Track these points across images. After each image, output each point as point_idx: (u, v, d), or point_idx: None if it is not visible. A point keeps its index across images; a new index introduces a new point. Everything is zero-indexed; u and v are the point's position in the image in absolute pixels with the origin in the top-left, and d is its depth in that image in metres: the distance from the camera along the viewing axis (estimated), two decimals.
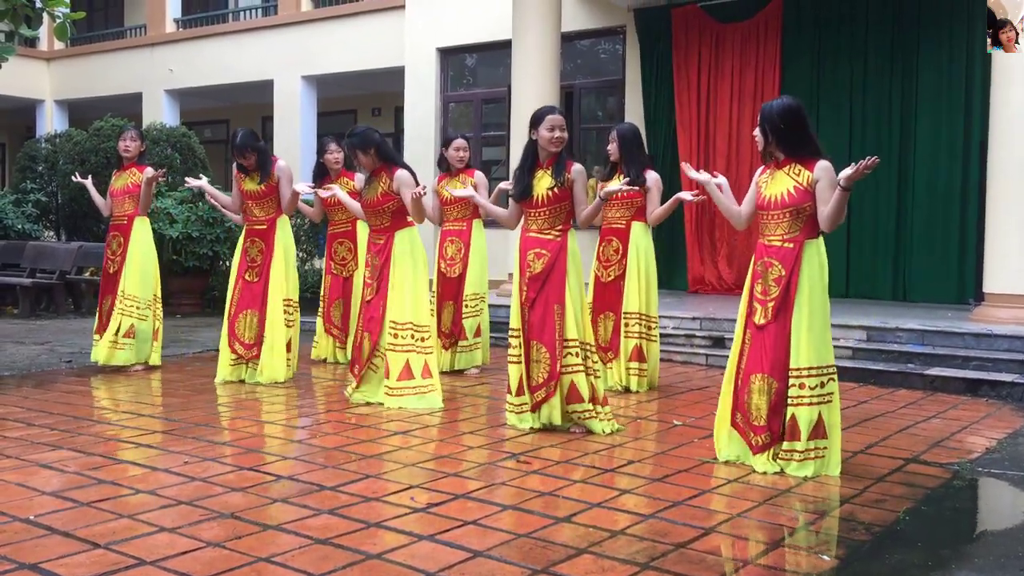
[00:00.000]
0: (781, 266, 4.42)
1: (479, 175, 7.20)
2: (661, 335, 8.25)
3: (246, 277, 6.78)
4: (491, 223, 7.71)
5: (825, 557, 3.35)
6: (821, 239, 4.53)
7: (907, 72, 10.32)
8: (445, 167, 7.34)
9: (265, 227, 6.78)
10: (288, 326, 6.77)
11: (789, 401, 4.40)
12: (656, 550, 3.36)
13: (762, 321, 4.46)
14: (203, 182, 7.07)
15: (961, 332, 7.42)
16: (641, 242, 6.56)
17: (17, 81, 18.18)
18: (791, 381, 4.39)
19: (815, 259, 4.43)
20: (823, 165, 4.38)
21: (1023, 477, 4.54)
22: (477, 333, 7.25)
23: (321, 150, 7.75)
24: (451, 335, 7.19)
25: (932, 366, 7.10)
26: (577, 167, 5.25)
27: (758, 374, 4.45)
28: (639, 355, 6.53)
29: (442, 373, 6.97)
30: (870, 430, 5.46)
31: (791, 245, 4.43)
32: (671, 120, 11.68)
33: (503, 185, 6.61)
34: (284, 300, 6.74)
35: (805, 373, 4.37)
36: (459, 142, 7.31)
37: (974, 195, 9.62)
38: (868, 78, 10.53)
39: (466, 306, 7.20)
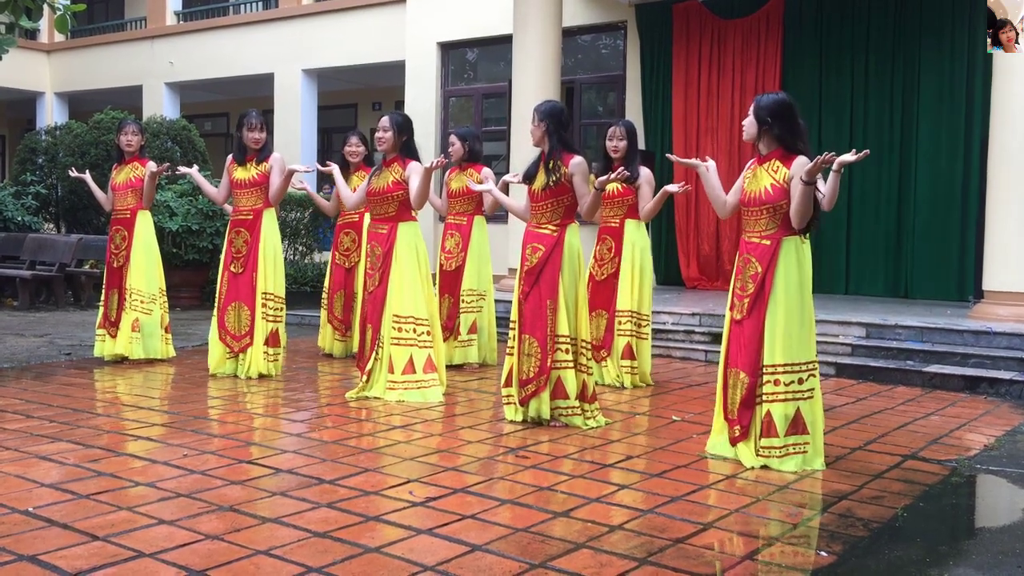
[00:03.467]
0: (758, 263, 4.44)
1: (487, 171, 7.21)
2: (660, 331, 8.31)
3: (232, 268, 6.76)
4: (493, 218, 7.72)
5: (823, 553, 3.36)
6: (806, 238, 4.54)
7: (909, 69, 10.32)
8: (453, 160, 7.38)
9: (251, 218, 6.72)
10: (268, 320, 6.68)
11: (764, 397, 4.42)
12: (654, 545, 3.36)
13: (739, 316, 4.51)
14: (192, 170, 7.10)
15: (960, 329, 7.42)
16: (636, 239, 6.57)
17: (17, 73, 18.17)
18: (765, 378, 4.41)
19: (792, 257, 4.43)
20: (800, 161, 4.37)
21: (1021, 474, 4.54)
22: (472, 330, 7.24)
23: (344, 143, 7.84)
24: (446, 328, 7.19)
25: (931, 363, 7.11)
26: (576, 160, 5.25)
27: (733, 368, 4.51)
28: (629, 353, 6.54)
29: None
30: (869, 427, 5.46)
31: (768, 242, 4.44)
32: (671, 116, 11.68)
33: (507, 177, 6.63)
34: (263, 294, 6.68)
35: (781, 370, 4.38)
36: (451, 138, 7.41)
37: (974, 192, 9.63)
38: (869, 75, 10.53)
39: (463, 301, 7.20)
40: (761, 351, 4.42)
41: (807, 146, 4.46)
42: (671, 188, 5.98)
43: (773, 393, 4.39)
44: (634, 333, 6.56)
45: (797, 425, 4.40)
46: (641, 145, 11.74)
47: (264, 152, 6.75)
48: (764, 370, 4.41)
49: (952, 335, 7.43)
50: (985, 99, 9.00)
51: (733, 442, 4.53)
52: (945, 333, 7.46)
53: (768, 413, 4.40)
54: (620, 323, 6.54)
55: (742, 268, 4.52)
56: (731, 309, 4.58)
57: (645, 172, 6.49)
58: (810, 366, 4.44)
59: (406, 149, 6.06)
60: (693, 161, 4.90)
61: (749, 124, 4.50)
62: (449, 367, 7.09)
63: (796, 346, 4.40)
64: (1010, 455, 4.89)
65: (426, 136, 13.49)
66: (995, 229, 7.97)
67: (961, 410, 6.05)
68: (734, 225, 10.30)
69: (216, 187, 7.08)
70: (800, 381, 4.40)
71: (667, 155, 5.38)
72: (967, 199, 9.89)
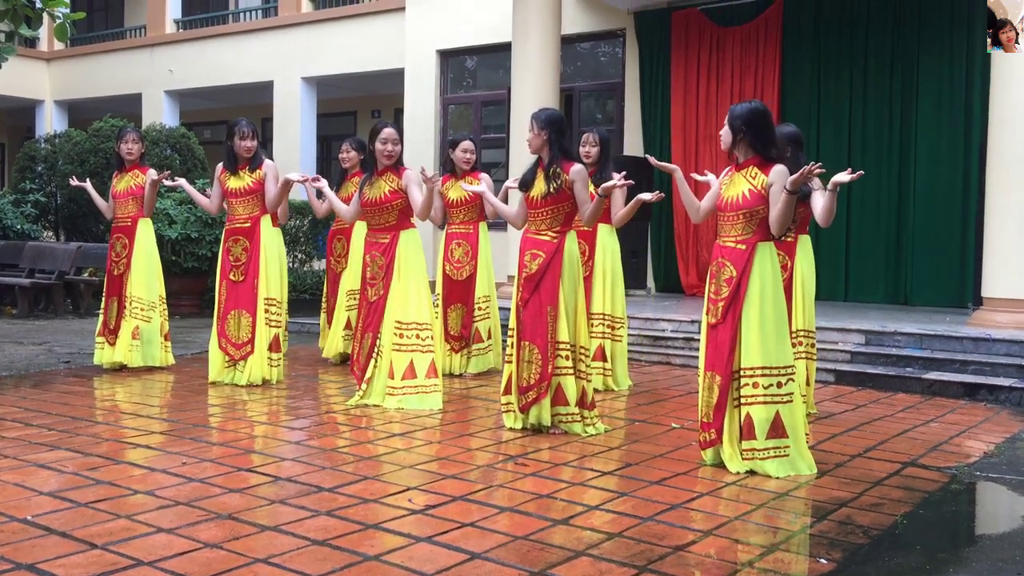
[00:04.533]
0: (733, 267, 4.49)
1: (484, 176, 7.19)
2: (660, 338, 8.34)
3: (231, 277, 6.75)
4: (493, 225, 7.72)
5: (823, 560, 3.35)
6: (807, 239, 4.59)
7: (907, 76, 10.33)
8: (450, 168, 7.32)
9: (248, 225, 6.73)
10: (271, 325, 6.71)
11: (743, 400, 4.45)
12: (654, 553, 3.36)
13: (713, 320, 4.55)
14: (181, 181, 7.16)
15: (959, 336, 7.43)
16: (607, 243, 6.67)
17: (17, 81, 18.19)
18: (743, 380, 4.44)
19: (767, 262, 4.47)
20: (778, 169, 4.42)
21: (1021, 481, 4.54)
22: (490, 335, 7.28)
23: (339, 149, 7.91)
24: (461, 338, 7.18)
25: (930, 370, 7.11)
26: (576, 167, 5.26)
27: (709, 372, 4.54)
28: (601, 355, 6.60)
29: (453, 376, 7.05)
30: (868, 434, 5.46)
31: (743, 247, 4.49)
32: (670, 123, 11.69)
33: (509, 183, 6.64)
34: (265, 299, 6.69)
35: (759, 372, 4.41)
36: (466, 144, 7.28)
37: (974, 199, 9.64)
38: (868, 81, 10.54)
39: (478, 308, 7.21)
40: (734, 354, 4.46)
41: (781, 152, 4.50)
42: (644, 196, 6.01)
43: (752, 395, 4.42)
44: (608, 336, 6.65)
45: (777, 428, 4.42)
46: (639, 152, 11.79)
47: (256, 160, 6.74)
48: (742, 372, 4.45)
49: (951, 342, 7.43)
50: (984, 105, 9.01)
51: (704, 446, 4.57)
52: (944, 340, 7.46)
53: (748, 416, 4.43)
54: (592, 325, 6.58)
55: (716, 272, 4.58)
56: (707, 313, 4.63)
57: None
58: (789, 370, 4.46)
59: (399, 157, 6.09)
60: (671, 166, 4.96)
61: (725, 133, 4.58)
62: (460, 376, 7.13)
63: (773, 349, 4.43)
64: (1009, 462, 4.89)
65: (425, 144, 13.52)
66: (994, 236, 7.97)
67: (960, 417, 6.05)
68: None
69: (208, 197, 7.08)
70: (779, 385, 4.42)
71: (648, 157, 5.39)
72: (966, 206, 9.89)
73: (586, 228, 5.93)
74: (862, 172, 4.40)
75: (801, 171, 4.24)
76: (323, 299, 8.04)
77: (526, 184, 5.35)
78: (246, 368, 6.65)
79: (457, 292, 7.20)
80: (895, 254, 10.46)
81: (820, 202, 4.68)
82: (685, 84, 11.57)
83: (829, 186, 4.43)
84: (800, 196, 4.57)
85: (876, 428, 5.64)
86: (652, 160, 5.20)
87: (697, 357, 7.81)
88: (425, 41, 13.78)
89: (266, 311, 6.69)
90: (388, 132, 6.04)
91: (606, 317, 6.65)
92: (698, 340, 8.03)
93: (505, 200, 6.64)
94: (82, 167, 13.23)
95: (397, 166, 6.04)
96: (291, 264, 12.91)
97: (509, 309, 8.60)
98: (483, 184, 6.67)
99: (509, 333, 5.36)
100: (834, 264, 10.72)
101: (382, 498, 3.95)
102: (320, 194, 7.51)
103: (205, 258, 11.36)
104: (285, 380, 6.87)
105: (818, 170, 4.25)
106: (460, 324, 7.18)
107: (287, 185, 6.60)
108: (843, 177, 4.34)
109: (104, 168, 12.56)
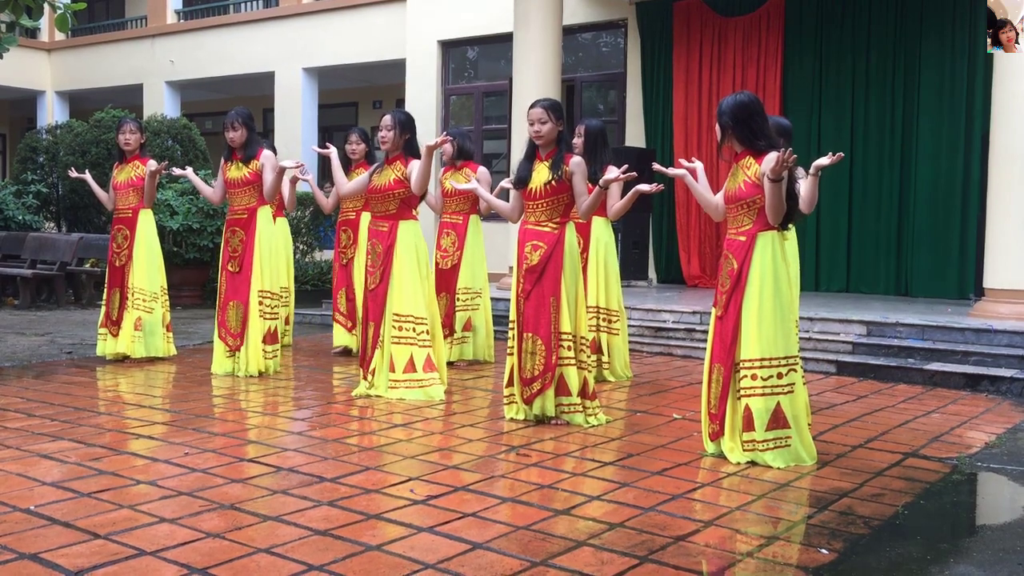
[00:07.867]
0: (734, 258, 4.49)
1: (482, 170, 7.25)
2: (661, 329, 8.33)
3: (229, 268, 6.79)
4: (492, 217, 7.73)
5: (823, 551, 3.36)
6: (786, 233, 4.60)
7: (909, 67, 10.32)
8: (445, 160, 7.39)
9: (245, 216, 6.75)
10: (264, 318, 6.70)
11: (742, 392, 4.44)
12: (655, 543, 3.36)
13: (720, 312, 4.56)
14: (188, 171, 7.16)
15: (961, 327, 7.42)
16: (601, 236, 6.65)
17: (18, 72, 18.17)
18: (743, 372, 4.44)
19: (768, 252, 4.44)
20: (769, 158, 4.37)
21: (1022, 472, 4.54)
22: (466, 327, 7.27)
23: (346, 140, 7.85)
24: (444, 326, 7.20)
25: (932, 361, 7.11)
26: (576, 159, 5.26)
27: (716, 364, 4.55)
28: (595, 347, 6.58)
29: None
30: (869, 424, 5.47)
31: (743, 238, 4.48)
32: (672, 114, 11.68)
33: (505, 183, 6.62)
34: (259, 291, 6.69)
35: (758, 364, 4.40)
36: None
37: (975, 190, 9.63)
38: (870, 73, 10.53)
39: (458, 299, 7.23)
40: (736, 345, 4.46)
41: (771, 141, 4.45)
42: (643, 188, 5.98)
43: (751, 387, 4.42)
44: (604, 329, 6.65)
45: (778, 419, 4.41)
46: (641, 143, 11.77)
47: (250, 150, 6.75)
48: (741, 364, 4.44)
49: (953, 333, 7.42)
50: (986, 96, 8.99)
51: (712, 437, 4.57)
52: (946, 331, 7.46)
53: (747, 407, 4.43)
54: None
55: (722, 265, 4.60)
56: (714, 306, 4.64)
57: (613, 171, 6.48)
58: (790, 361, 4.45)
59: (408, 148, 6.06)
60: (680, 171, 4.84)
61: (717, 130, 4.56)
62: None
63: (773, 340, 4.41)
64: (1011, 453, 4.90)
65: (427, 134, 13.41)
66: (996, 227, 7.96)
67: (962, 408, 6.05)
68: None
69: (212, 187, 7.12)
70: (779, 376, 4.41)
71: (653, 165, 5.34)
72: (968, 197, 9.88)
73: (581, 220, 5.91)
74: (842, 155, 4.37)
75: (777, 159, 4.20)
76: (333, 291, 8.05)
77: (523, 180, 5.33)
78: (241, 359, 6.66)
79: (443, 281, 7.22)
80: (896, 245, 10.46)
81: (802, 189, 4.66)
82: (687, 74, 11.55)
83: (811, 171, 4.40)
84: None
85: (877, 419, 5.64)
86: (657, 167, 5.12)
87: (699, 348, 7.89)
88: (426, 32, 13.76)
89: (260, 303, 6.68)
90: (384, 118, 6.15)
91: (600, 310, 6.64)
92: (700, 332, 8.12)
93: (500, 198, 6.64)
94: (83, 158, 13.23)
95: (408, 156, 6.04)
96: (294, 255, 12.91)
97: (506, 300, 8.62)
98: (473, 181, 6.67)
99: (510, 325, 5.36)
100: (836, 255, 10.72)
101: (384, 488, 3.96)
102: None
103: (207, 249, 11.36)
104: (288, 371, 6.88)
105: (791, 157, 4.21)
106: (444, 313, 7.20)
107: (282, 173, 6.62)
108: (824, 161, 4.31)
109: (105, 159, 12.56)
